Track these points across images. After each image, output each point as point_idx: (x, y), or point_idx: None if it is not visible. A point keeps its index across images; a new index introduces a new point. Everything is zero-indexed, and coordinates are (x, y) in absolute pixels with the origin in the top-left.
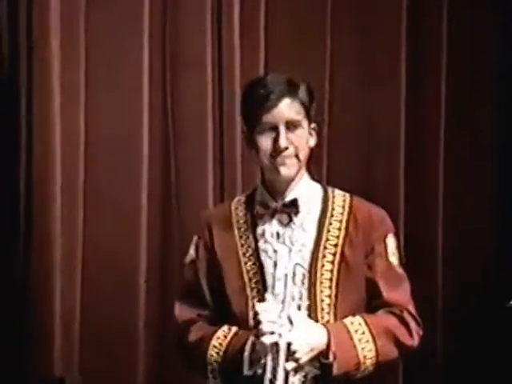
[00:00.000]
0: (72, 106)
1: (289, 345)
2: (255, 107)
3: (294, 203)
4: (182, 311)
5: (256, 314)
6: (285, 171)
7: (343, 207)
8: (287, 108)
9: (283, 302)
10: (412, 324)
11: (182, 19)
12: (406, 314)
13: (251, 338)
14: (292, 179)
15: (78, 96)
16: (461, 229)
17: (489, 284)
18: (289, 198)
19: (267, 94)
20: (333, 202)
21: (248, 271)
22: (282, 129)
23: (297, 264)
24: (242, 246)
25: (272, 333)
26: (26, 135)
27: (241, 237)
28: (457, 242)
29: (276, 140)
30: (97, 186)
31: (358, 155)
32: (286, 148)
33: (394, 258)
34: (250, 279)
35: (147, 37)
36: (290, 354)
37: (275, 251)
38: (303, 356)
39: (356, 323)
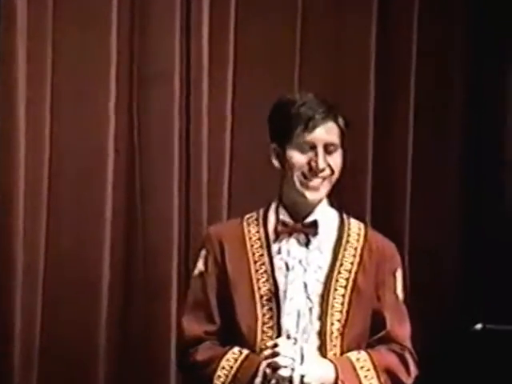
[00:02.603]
0: (37, 118)
1: (301, 377)
2: (296, 124)
3: (314, 224)
4: (189, 326)
5: (275, 345)
6: (313, 196)
7: (358, 235)
8: (329, 130)
9: (295, 336)
10: (411, 364)
11: (149, 32)
12: (406, 353)
13: (264, 365)
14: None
15: (43, 108)
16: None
17: (452, 307)
18: (309, 219)
19: (312, 113)
20: (348, 229)
21: (260, 288)
22: (321, 150)
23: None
24: (255, 262)
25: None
26: None
27: (253, 254)
28: (421, 263)
29: (313, 160)
30: (60, 198)
31: None
32: (323, 169)
33: (400, 293)
34: (262, 296)
35: (115, 49)
36: None
37: (291, 268)
38: None
39: (362, 359)
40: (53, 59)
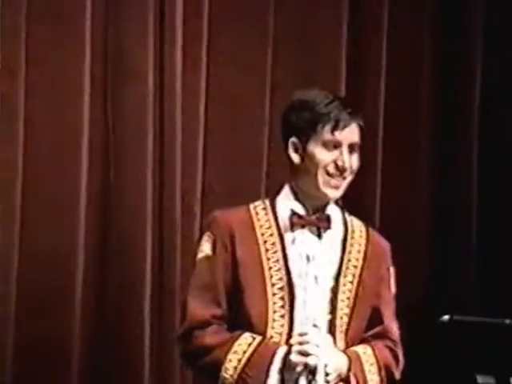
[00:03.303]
0: (11, 113)
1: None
2: (324, 122)
3: (327, 219)
4: (196, 308)
5: (302, 334)
6: (334, 194)
7: (361, 231)
8: (354, 131)
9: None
10: (401, 359)
11: (124, 31)
12: (398, 350)
13: (281, 352)
14: None
15: (16, 106)
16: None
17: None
18: (323, 213)
19: (341, 113)
20: (352, 225)
21: (272, 276)
22: (346, 149)
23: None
24: (267, 250)
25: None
26: None
27: (265, 242)
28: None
29: (339, 159)
30: (35, 196)
31: None
32: (347, 169)
33: (394, 289)
34: (273, 285)
35: (89, 48)
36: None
37: (306, 259)
38: (333, 378)
39: (367, 354)
40: (26, 57)
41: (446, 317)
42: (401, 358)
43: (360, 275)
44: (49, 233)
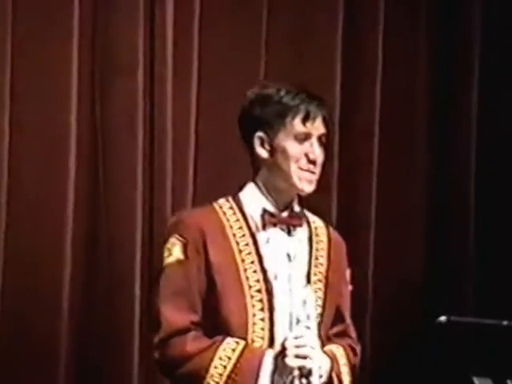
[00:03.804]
0: None
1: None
2: (293, 113)
3: (298, 216)
4: (172, 315)
5: (297, 337)
6: (308, 189)
7: (322, 229)
8: (323, 123)
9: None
10: (359, 356)
11: (113, 27)
12: (358, 347)
13: (270, 356)
14: None
15: (2, 105)
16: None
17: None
18: (293, 210)
19: (310, 104)
20: (313, 222)
21: (248, 278)
22: (316, 141)
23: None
24: (241, 252)
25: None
26: None
27: (237, 243)
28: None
29: (310, 152)
30: (21, 196)
31: None
32: (319, 162)
33: (351, 287)
34: (251, 287)
35: (77, 44)
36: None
37: (281, 259)
38: (323, 380)
39: (340, 354)
40: (12, 50)
41: (444, 318)
42: (359, 354)
43: (326, 274)
44: (35, 234)
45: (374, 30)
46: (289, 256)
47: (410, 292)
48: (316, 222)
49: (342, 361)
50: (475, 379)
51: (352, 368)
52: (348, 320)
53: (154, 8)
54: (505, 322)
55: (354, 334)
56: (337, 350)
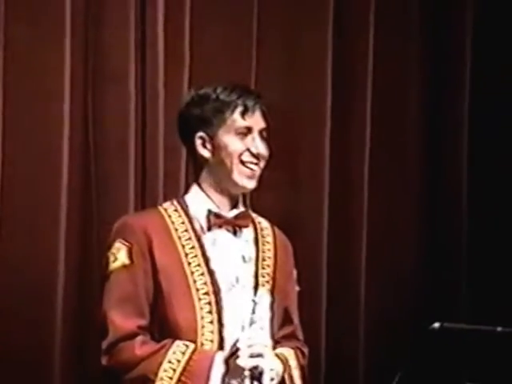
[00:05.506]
0: None
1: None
2: (231, 109)
3: (245, 216)
4: (120, 320)
5: (250, 337)
6: (252, 185)
7: (267, 229)
8: (263, 116)
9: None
10: (307, 358)
11: (104, 33)
12: (306, 349)
13: (220, 357)
14: None
15: None
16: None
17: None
18: (238, 210)
19: (247, 98)
20: (259, 222)
21: (195, 281)
22: (257, 135)
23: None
24: (187, 255)
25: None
26: None
27: (183, 246)
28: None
29: (252, 146)
30: (13, 199)
31: (282, 186)
32: (264, 156)
33: (298, 288)
34: (198, 290)
35: (69, 50)
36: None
37: (228, 260)
38: (275, 383)
39: (292, 357)
40: (4, 56)
41: (437, 324)
42: (307, 356)
43: (274, 275)
44: (28, 236)
45: (364, 28)
46: (243, 258)
47: (402, 298)
48: (262, 222)
49: (293, 364)
50: None
51: (302, 371)
52: (296, 321)
53: (145, 13)
54: (499, 328)
55: (301, 336)
56: (288, 353)
